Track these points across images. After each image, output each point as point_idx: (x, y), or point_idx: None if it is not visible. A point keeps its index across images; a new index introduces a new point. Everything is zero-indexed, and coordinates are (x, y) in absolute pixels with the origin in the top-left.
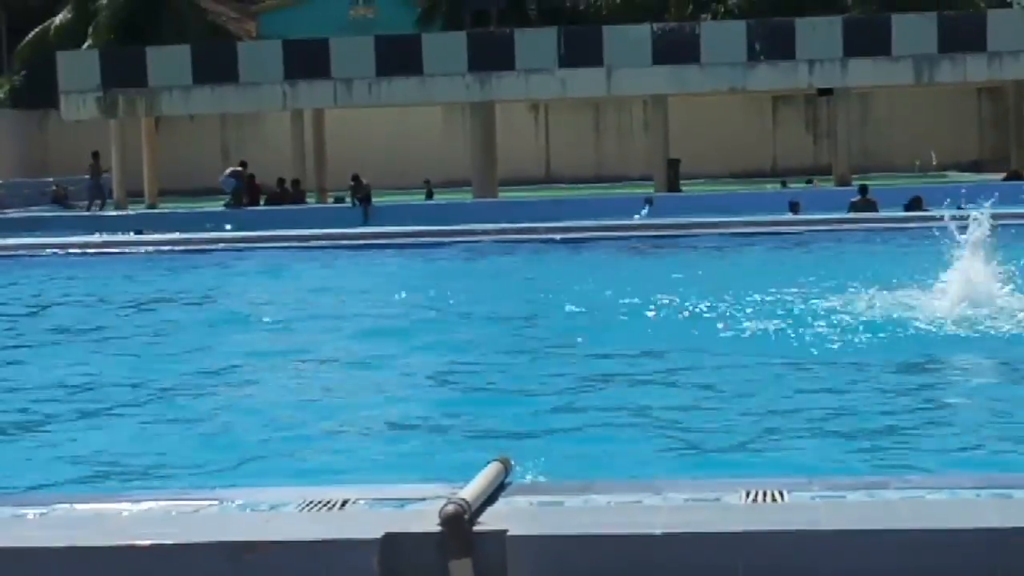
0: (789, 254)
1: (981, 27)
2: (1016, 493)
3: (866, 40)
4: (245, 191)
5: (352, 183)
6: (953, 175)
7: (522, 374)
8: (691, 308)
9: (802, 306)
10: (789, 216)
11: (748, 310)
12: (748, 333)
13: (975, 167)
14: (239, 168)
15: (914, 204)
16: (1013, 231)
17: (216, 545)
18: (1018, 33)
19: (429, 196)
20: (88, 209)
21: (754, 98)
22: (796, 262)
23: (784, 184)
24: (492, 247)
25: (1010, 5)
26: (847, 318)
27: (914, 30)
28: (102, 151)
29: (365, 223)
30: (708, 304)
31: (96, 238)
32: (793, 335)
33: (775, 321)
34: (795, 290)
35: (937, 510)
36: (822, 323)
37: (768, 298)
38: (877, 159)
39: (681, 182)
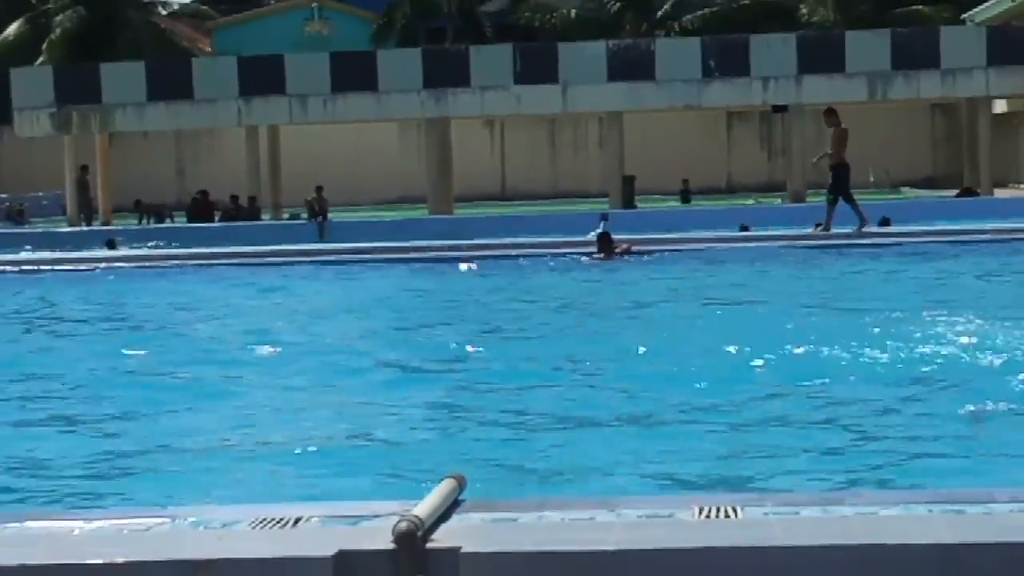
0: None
1: (934, 44)
2: (968, 509)
3: (820, 57)
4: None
5: (314, 195)
6: (907, 191)
7: (477, 390)
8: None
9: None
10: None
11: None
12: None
13: (928, 183)
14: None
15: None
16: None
17: (168, 563)
18: (971, 50)
19: None
20: (79, 224)
21: (709, 115)
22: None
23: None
24: (448, 264)
25: (963, 22)
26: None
27: (868, 47)
28: (55, 167)
29: (321, 239)
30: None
31: (49, 255)
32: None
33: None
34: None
35: (890, 526)
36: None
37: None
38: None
39: (636, 198)
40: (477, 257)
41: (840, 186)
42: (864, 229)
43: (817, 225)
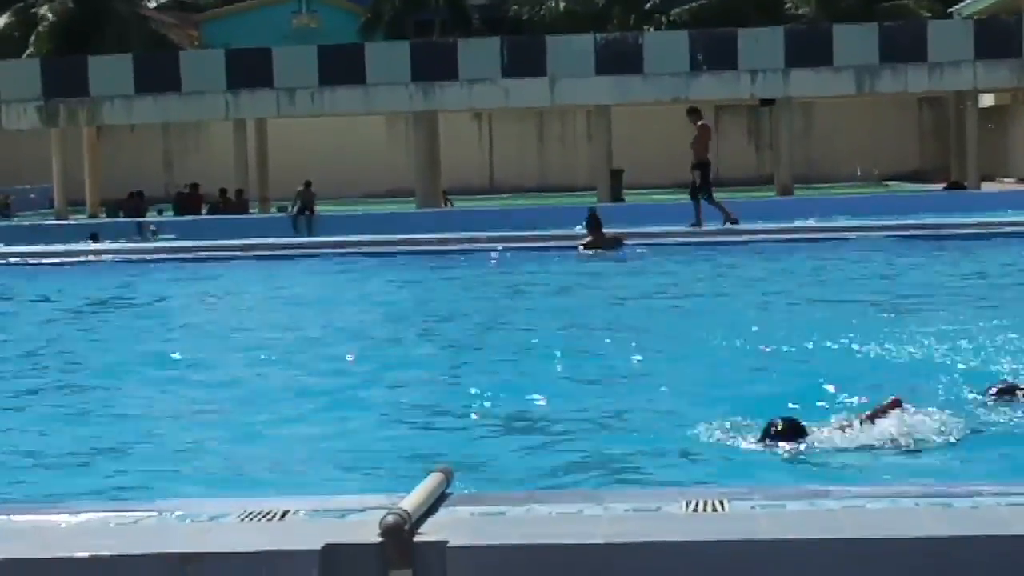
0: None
1: (922, 38)
2: (956, 502)
3: (808, 50)
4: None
5: (301, 189)
6: (894, 185)
7: (467, 384)
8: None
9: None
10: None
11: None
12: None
13: (915, 177)
14: None
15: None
16: None
17: (156, 556)
18: (958, 44)
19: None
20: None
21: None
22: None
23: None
24: (434, 258)
25: (951, 16)
26: None
27: (855, 41)
28: (43, 161)
29: (296, 233)
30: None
31: (37, 248)
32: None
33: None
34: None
35: (878, 519)
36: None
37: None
38: (820, 169)
39: (624, 191)
40: (465, 250)
41: (701, 183)
42: (730, 224)
43: (691, 224)
